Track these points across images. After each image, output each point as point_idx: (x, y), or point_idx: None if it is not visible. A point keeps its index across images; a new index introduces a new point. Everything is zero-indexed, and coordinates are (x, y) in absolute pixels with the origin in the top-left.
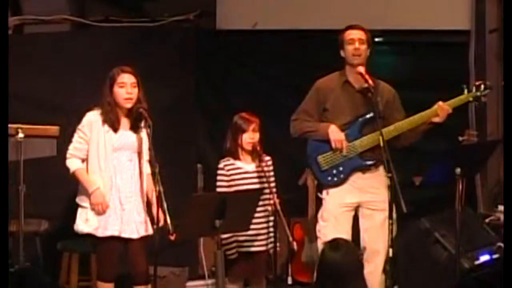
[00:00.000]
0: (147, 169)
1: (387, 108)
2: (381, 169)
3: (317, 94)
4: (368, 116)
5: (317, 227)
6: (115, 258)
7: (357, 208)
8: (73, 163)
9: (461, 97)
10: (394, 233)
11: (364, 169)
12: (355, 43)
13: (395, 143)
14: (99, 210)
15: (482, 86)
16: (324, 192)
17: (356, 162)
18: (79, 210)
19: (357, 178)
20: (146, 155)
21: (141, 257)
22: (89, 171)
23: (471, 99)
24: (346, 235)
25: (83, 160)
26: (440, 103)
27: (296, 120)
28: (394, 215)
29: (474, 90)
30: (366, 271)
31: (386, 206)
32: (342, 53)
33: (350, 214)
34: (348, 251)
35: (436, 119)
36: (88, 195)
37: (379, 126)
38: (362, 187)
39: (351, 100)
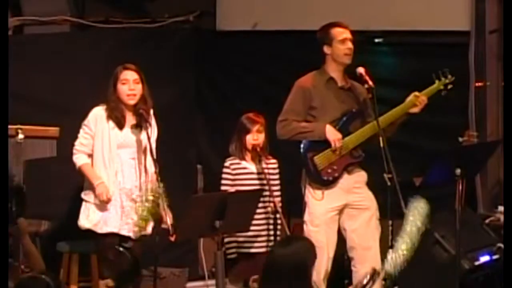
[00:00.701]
0: (151, 168)
1: (365, 106)
2: (360, 167)
3: (303, 93)
4: (353, 110)
5: (306, 231)
6: (116, 256)
7: (341, 209)
8: (79, 159)
9: (434, 86)
10: (379, 232)
11: (353, 167)
12: (348, 42)
13: (374, 140)
14: (104, 201)
15: (449, 74)
16: (319, 193)
17: (347, 159)
18: (83, 205)
19: (343, 179)
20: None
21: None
22: (94, 167)
23: (442, 87)
24: (334, 237)
25: (89, 155)
26: (417, 93)
27: (285, 121)
28: (377, 214)
29: (442, 79)
30: (362, 271)
31: (370, 204)
32: (327, 50)
33: (337, 216)
34: (299, 248)
35: (415, 110)
36: (92, 190)
37: (379, 128)
38: (348, 187)
39: (336, 96)
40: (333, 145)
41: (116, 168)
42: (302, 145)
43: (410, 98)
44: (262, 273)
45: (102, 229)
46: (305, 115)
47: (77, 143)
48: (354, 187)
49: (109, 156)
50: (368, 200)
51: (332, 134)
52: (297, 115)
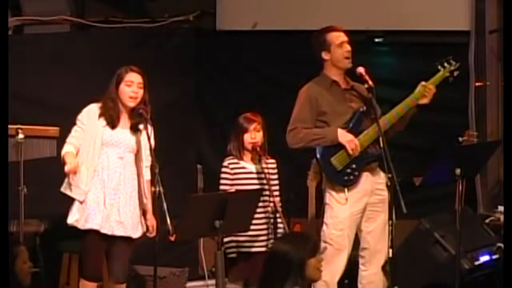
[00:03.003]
0: (146, 174)
1: (370, 103)
2: (379, 168)
3: (309, 100)
4: (361, 109)
5: (328, 234)
6: (99, 256)
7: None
8: (64, 148)
9: (439, 73)
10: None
11: (373, 165)
12: (346, 46)
13: (386, 134)
14: (69, 171)
15: (452, 60)
16: (343, 196)
17: (365, 157)
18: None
19: (366, 180)
20: (146, 161)
21: (119, 256)
22: (79, 161)
23: (447, 74)
24: (353, 238)
25: (76, 148)
26: (423, 83)
27: (294, 129)
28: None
29: (447, 65)
30: (370, 272)
31: (386, 206)
32: (325, 56)
33: (359, 219)
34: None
35: (425, 101)
36: (74, 185)
37: (379, 128)
38: (372, 189)
39: (343, 98)
40: (348, 147)
41: (100, 167)
42: (317, 150)
43: (419, 88)
44: (261, 271)
45: (84, 226)
46: (314, 122)
47: (69, 135)
48: (376, 188)
49: (91, 153)
50: (384, 203)
51: (344, 136)
52: (305, 122)
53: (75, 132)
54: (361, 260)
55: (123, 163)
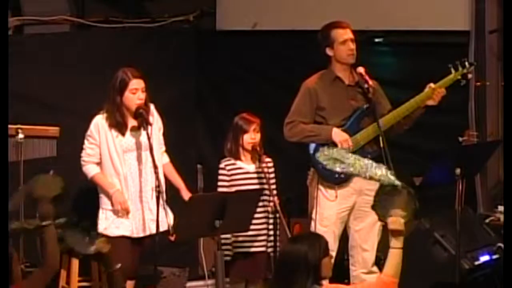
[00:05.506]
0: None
1: (375, 97)
2: None
3: (309, 94)
4: (364, 107)
5: (312, 230)
6: (129, 255)
7: (350, 209)
8: (90, 169)
9: (450, 76)
10: (379, 237)
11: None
12: (349, 44)
13: (390, 132)
14: (122, 211)
15: (467, 63)
16: (332, 193)
17: (360, 155)
18: (99, 211)
19: (356, 179)
20: (148, 160)
21: (138, 253)
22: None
23: (459, 77)
24: (339, 235)
25: (97, 164)
26: (432, 85)
27: (292, 123)
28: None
29: (460, 68)
30: (360, 271)
31: None
32: (329, 52)
33: (346, 216)
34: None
35: (431, 102)
36: (105, 196)
37: (379, 128)
38: (361, 188)
39: (345, 95)
40: (339, 146)
41: (126, 173)
42: (310, 146)
43: (426, 90)
44: (274, 272)
45: (113, 233)
46: (313, 116)
47: (83, 154)
48: (366, 189)
49: (118, 163)
50: None
51: (338, 136)
52: (303, 116)
53: (90, 150)
54: (350, 260)
55: (140, 164)
